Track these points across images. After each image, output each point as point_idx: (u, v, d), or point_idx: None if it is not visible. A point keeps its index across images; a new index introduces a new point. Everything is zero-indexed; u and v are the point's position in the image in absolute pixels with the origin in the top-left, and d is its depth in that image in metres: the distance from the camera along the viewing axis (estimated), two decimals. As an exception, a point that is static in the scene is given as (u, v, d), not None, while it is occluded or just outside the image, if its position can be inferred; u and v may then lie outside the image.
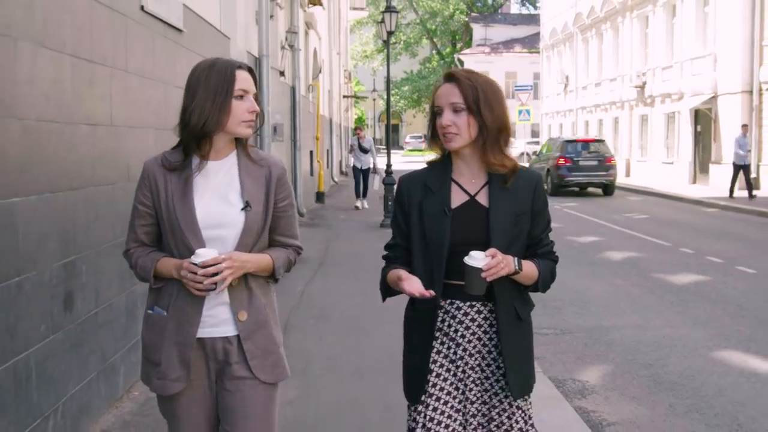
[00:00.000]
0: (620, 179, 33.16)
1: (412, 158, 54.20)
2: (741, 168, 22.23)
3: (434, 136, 2.84)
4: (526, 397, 2.89)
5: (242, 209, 2.78)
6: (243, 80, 2.77)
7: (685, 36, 30.34)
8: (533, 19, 64.80)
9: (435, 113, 2.81)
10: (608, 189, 26.69)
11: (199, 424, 2.86)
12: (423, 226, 2.81)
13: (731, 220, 18.40)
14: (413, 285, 2.68)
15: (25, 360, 3.73)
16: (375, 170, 20.89)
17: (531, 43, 62.49)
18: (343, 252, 12.47)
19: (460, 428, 2.84)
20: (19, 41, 3.64)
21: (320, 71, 23.32)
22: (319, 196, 21.20)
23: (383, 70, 69.44)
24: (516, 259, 2.75)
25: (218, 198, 2.79)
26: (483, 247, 2.69)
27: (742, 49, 26.01)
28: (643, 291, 9.82)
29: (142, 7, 5.49)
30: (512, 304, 2.83)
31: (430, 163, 2.93)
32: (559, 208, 21.25)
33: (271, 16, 11.81)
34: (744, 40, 25.98)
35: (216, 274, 2.63)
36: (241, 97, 2.77)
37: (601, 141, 28.48)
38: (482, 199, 2.82)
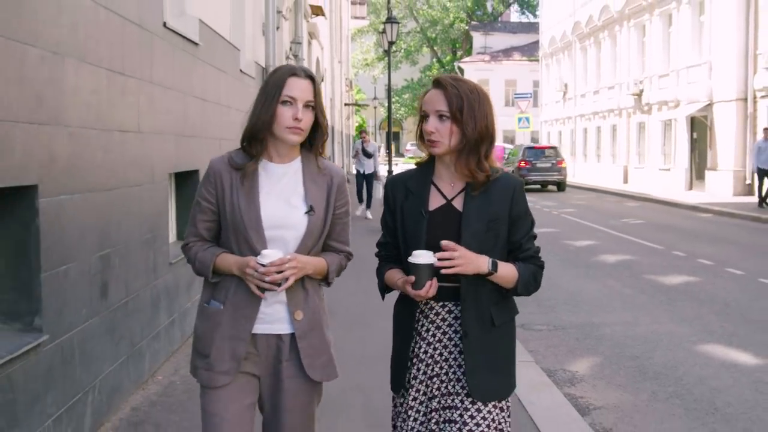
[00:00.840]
0: (618, 186, 33.93)
1: (412, 165, 54.49)
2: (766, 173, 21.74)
3: (422, 138, 2.89)
4: (498, 402, 2.87)
5: (306, 213, 2.84)
6: (292, 87, 2.79)
7: (681, 44, 30.64)
8: (533, 28, 64.55)
9: (422, 117, 2.87)
10: (561, 186, 32.51)
11: (240, 418, 2.88)
12: (403, 227, 2.89)
13: (725, 225, 18.76)
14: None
15: (70, 339, 4.18)
16: (377, 177, 19.78)
17: (530, 51, 62.38)
18: (347, 254, 12.96)
19: (421, 425, 2.90)
20: (66, 57, 4.09)
21: (322, 80, 23.77)
22: (323, 203, 21.64)
23: (384, 78, 69.62)
24: (490, 260, 2.78)
25: (283, 200, 2.85)
26: None
27: (736, 57, 26.34)
28: (634, 291, 10.21)
29: (164, 24, 5.96)
30: (488, 309, 2.84)
31: (418, 164, 3.01)
32: (557, 213, 21.68)
33: (278, 28, 12.24)
34: (738, 49, 26.32)
35: (279, 273, 2.71)
36: (290, 103, 2.79)
37: (554, 147, 34.69)
38: (458, 203, 2.87)
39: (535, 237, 2.98)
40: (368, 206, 19.43)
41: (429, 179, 2.91)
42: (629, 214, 21.64)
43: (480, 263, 2.75)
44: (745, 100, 26.24)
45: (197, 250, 2.90)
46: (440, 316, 2.87)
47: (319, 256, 2.93)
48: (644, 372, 6.58)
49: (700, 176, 28.81)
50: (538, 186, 32.26)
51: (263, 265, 2.69)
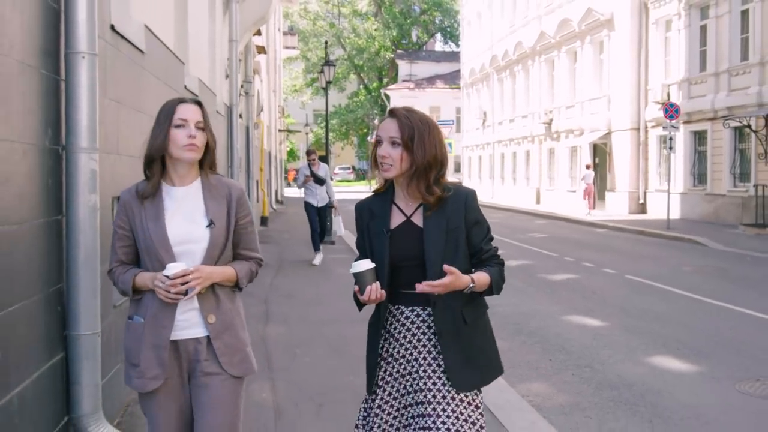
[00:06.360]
0: (531, 206, 36.32)
1: (341, 188, 55.99)
2: None
3: (376, 163, 2.98)
4: (465, 397, 2.97)
5: (207, 226, 3.03)
6: (183, 111, 3.00)
7: (584, 79, 33.33)
8: (455, 57, 64.80)
9: (376, 143, 2.97)
10: None
11: (175, 418, 3.11)
12: (371, 245, 3.03)
13: (614, 238, 21.42)
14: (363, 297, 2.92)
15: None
16: (335, 208, 14.98)
17: (453, 79, 62.90)
18: (294, 259, 15.42)
19: (393, 420, 3.04)
20: (146, 116, 6.60)
21: (262, 110, 25.80)
22: (263, 220, 23.46)
23: (312, 103, 70.48)
24: (470, 277, 2.89)
25: (186, 219, 3.04)
26: (418, 261, 2.93)
27: (630, 91, 29.20)
28: (525, 284, 12.57)
29: (185, 86, 8.47)
30: (459, 310, 2.95)
31: (376, 192, 3.12)
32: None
33: (239, 72, 14.57)
34: (632, 84, 29.20)
35: (185, 284, 2.89)
36: (182, 126, 2.98)
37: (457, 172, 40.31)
38: (417, 219, 2.98)
39: (492, 239, 3.09)
40: (316, 248, 14.67)
41: (389, 200, 3.05)
42: (536, 230, 24.02)
43: (464, 282, 2.86)
44: (638, 129, 29.11)
45: (119, 273, 3.11)
46: (410, 320, 3.00)
47: (228, 265, 3.12)
48: (520, 332, 8.96)
49: (602, 197, 31.36)
50: None
51: (168, 277, 2.88)
